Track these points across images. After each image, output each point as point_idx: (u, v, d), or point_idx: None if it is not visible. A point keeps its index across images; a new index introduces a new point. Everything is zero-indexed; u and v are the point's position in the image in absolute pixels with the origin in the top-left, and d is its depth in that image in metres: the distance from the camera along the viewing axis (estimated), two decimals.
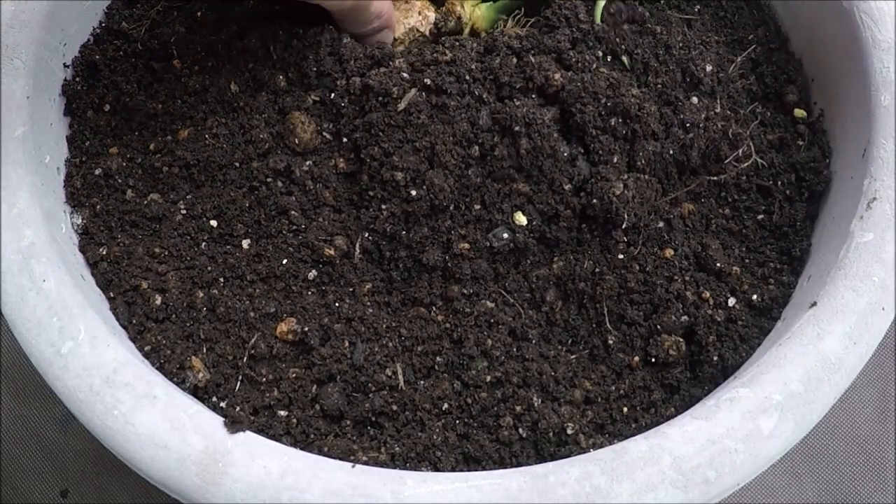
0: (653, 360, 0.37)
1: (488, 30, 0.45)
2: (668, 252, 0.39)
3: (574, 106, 0.38)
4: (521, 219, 0.38)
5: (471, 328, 0.37)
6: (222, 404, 0.35)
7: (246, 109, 0.41)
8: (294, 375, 0.36)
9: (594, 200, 0.37)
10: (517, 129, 0.37)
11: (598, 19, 0.41)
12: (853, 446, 0.54)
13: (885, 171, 0.38)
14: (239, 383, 0.36)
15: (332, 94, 0.40)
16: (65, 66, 0.43)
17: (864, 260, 0.36)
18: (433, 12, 0.45)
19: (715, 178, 0.40)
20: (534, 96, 0.39)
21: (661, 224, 0.39)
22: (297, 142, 0.39)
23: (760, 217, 0.41)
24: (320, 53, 0.41)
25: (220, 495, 0.30)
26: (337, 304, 0.38)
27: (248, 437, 0.32)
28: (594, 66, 0.39)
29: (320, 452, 0.34)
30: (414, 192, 0.37)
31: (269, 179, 0.39)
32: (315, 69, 0.41)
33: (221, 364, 0.36)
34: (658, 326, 0.38)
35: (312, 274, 0.38)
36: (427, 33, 0.44)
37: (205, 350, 0.37)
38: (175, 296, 0.38)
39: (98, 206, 0.40)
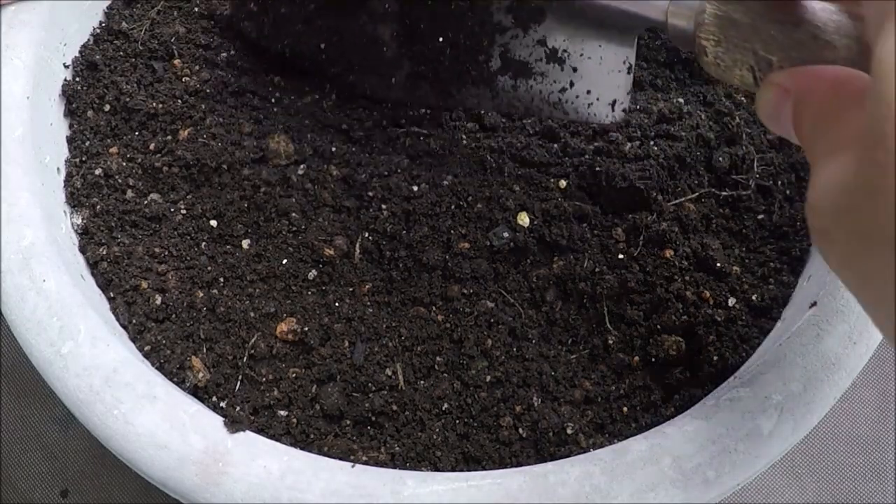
0: (653, 360, 0.37)
1: None
2: (668, 252, 0.39)
3: None
4: (524, 219, 0.38)
5: (471, 328, 0.37)
6: (222, 404, 0.35)
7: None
8: (294, 375, 0.36)
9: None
10: None
11: None
12: (853, 446, 0.54)
13: None
14: (239, 383, 0.36)
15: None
16: (65, 66, 0.43)
17: None
18: None
19: (721, 192, 0.40)
20: None
21: (661, 224, 0.39)
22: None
23: (760, 217, 0.41)
24: None
25: (220, 495, 0.30)
26: (337, 304, 0.38)
27: (248, 437, 0.32)
28: None
29: (320, 452, 0.34)
30: (416, 189, 0.37)
31: (269, 179, 0.39)
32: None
33: (221, 364, 0.36)
34: (658, 326, 0.38)
35: (312, 274, 0.38)
36: None
37: (205, 350, 0.37)
38: (175, 296, 0.38)
39: (98, 206, 0.40)
